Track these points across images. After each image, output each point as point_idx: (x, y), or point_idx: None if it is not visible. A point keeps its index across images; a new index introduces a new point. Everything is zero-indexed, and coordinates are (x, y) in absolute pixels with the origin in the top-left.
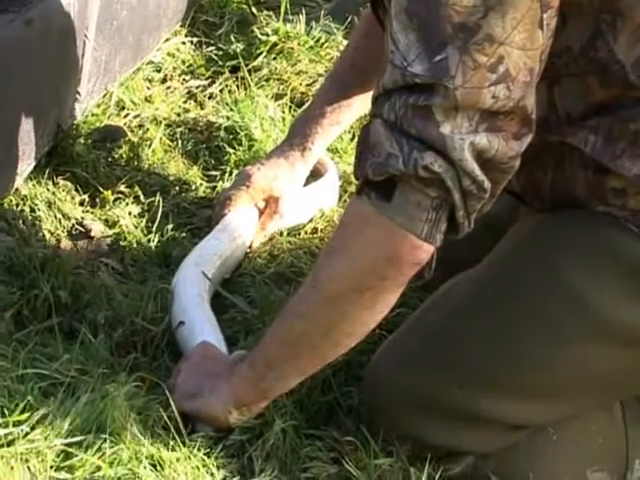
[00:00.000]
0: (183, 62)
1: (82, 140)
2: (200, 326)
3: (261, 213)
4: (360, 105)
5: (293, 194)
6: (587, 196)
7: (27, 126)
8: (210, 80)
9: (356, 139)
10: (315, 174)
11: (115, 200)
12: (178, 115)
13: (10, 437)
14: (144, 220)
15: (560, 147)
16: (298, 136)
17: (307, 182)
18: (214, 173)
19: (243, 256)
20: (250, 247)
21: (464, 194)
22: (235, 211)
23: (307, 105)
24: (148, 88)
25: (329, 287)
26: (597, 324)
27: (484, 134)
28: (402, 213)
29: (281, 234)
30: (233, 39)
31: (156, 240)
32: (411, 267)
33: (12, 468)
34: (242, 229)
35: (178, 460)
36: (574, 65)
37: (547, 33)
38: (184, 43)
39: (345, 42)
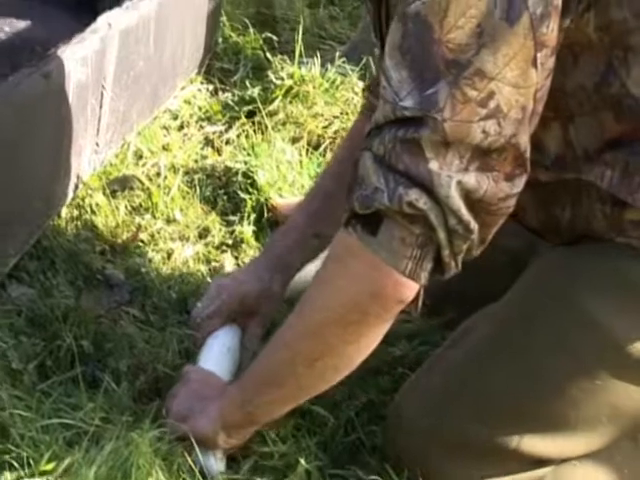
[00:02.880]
0: (200, 109)
1: (101, 190)
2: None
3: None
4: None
5: (270, 309)
6: (605, 229)
7: (46, 178)
8: (227, 126)
9: None
10: None
11: (135, 248)
12: (196, 162)
13: None
14: (164, 267)
15: (576, 183)
16: (275, 247)
17: None
18: (232, 218)
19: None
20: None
21: (449, 233)
22: (214, 334)
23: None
24: (165, 136)
25: (313, 318)
26: (619, 356)
27: (473, 173)
28: (387, 248)
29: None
30: (249, 84)
31: (176, 287)
32: (395, 304)
33: None
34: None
35: None
36: (588, 103)
37: (542, 72)
38: (200, 90)
39: (360, 84)
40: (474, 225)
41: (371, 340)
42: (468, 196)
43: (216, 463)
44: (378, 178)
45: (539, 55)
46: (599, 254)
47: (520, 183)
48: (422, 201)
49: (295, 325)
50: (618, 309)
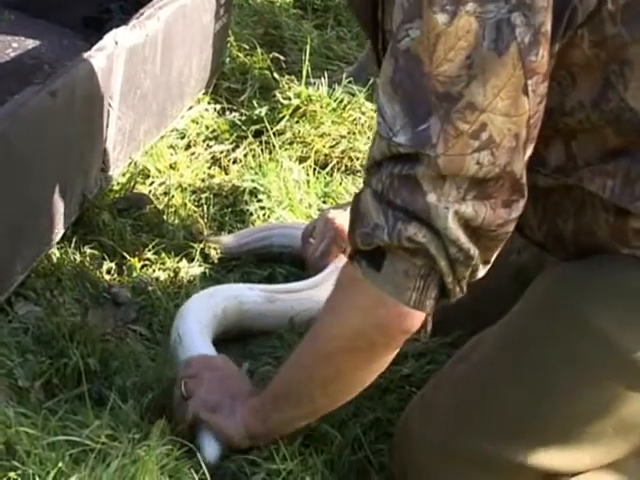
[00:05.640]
0: (207, 128)
1: (108, 209)
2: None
3: None
4: None
5: None
6: (609, 240)
7: (53, 196)
8: (234, 145)
9: None
10: None
11: (142, 267)
12: (203, 181)
13: None
14: (171, 286)
15: (579, 193)
16: None
17: None
18: None
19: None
20: None
21: (451, 262)
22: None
23: None
24: (172, 155)
25: (324, 345)
26: (627, 368)
27: (470, 202)
28: (391, 282)
29: None
30: (256, 104)
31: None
32: (401, 334)
33: None
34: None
35: None
36: (587, 121)
37: (534, 99)
38: (207, 110)
39: (367, 104)
40: (474, 251)
41: (381, 365)
42: (467, 224)
43: (216, 450)
44: (378, 215)
45: (530, 82)
46: (604, 266)
47: (518, 208)
48: (421, 234)
49: (309, 350)
50: (625, 320)
